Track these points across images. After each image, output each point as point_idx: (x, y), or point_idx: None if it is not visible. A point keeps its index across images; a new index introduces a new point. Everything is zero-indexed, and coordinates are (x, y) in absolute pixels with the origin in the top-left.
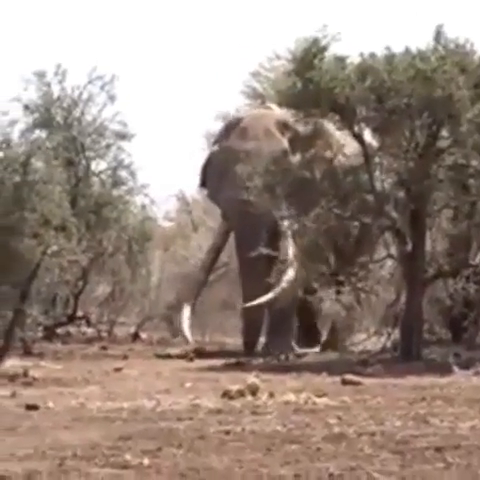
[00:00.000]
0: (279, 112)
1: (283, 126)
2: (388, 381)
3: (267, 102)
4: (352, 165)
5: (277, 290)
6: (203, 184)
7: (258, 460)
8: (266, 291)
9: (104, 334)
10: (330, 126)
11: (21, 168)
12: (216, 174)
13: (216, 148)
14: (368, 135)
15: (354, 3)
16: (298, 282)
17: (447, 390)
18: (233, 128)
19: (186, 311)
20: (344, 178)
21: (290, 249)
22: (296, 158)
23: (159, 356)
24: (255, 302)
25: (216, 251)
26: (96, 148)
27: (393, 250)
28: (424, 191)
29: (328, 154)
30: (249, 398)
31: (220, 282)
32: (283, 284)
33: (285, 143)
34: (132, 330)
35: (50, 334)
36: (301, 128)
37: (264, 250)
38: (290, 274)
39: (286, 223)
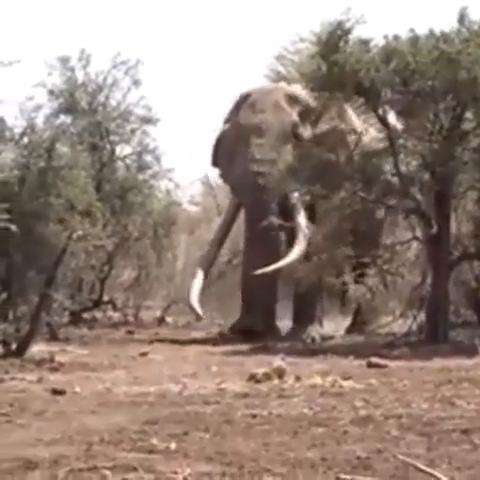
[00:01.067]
0: (290, 87)
1: (293, 99)
2: (414, 364)
3: (291, 85)
4: (375, 147)
5: (286, 260)
6: (215, 164)
7: (285, 443)
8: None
9: (130, 318)
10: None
11: (46, 153)
12: (227, 152)
13: (226, 126)
14: (392, 118)
15: None
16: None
17: (473, 372)
18: (242, 104)
19: (195, 287)
20: (368, 161)
21: (302, 221)
22: (307, 131)
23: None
24: (263, 270)
25: (226, 227)
26: (121, 133)
27: (418, 232)
28: (449, 173)
29: (340, 127)
30: (275, 381)
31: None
32: (293, 255)
33: (295, 116)
34: (158, 314)
35: (76, 319)
36: (312, 101)
37: (275, 220)
38: (301, 245)
39: (297, 195)
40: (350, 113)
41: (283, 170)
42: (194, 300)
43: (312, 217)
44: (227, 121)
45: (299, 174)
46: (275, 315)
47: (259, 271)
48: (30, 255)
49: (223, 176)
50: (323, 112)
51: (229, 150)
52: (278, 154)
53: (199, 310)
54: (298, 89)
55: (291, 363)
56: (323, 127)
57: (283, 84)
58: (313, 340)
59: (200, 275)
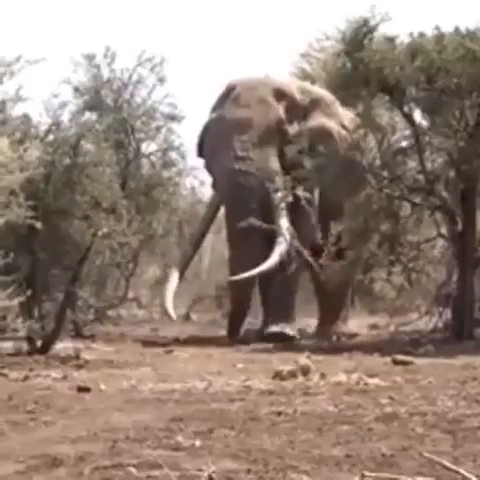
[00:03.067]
0: (278, 79)
1: (280, 94)
2: (439, 361)
3: (317, 83)
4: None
5: (266, 264)
6: (200, 154)
7: (310, 441)
8: (255, 266)
9: (155, 316)
10: (329, 96)
11: (71, 150)
12: (210, 144)
13: (213, 116)
14: (418, 115)
15: None
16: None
17: None
18: (228, 95)
19: (171, 285)
20: (394, 158)
21: (283, 223)
22: (293, 128)
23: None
24: (242, 275)
25: (206, 224)
26: (146, 130)
27: (444, 230)
28: (474, 170)
29: (328, 124)
30: (300, 379)
31: None
32: (273, 259)
33: (280, 112)
34: (183, 312)
35: (101, 316)
36: (299, 96)
37: (256, 222)
38: (281, 248)
39: (279, 195)
40: (340, 109)
41: (311, 169)
42: (168, 302)
43: (338, 215)
44: (214, 110)
45: (326, 172)
46: (241, 321)
47: (235, 277)
48: (55, 252)
49: (208, 168)
50: (312, 108)
51: (213, 143)
52: (261, 152)
53: (173, 313)
54: (286, 82)
55: (316, 361)
56: (311, 123)
57: (270, 77)
58: (338, 338)
59: (175, 276)
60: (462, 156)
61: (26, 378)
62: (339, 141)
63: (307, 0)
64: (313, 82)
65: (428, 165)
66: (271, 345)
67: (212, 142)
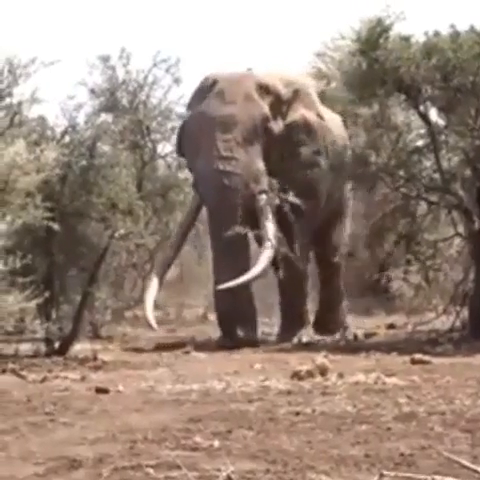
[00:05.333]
0: (260, 75)
1: (264, 89)
2: (457, 360)
3: (332, 82)
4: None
5: (253, 272)
6: (180, 153)
7: (328, 441)
8: (242, 273)
9: (172, 317)
10: (311, 88)
11: (87, 152)
12: (190, 142)
13: (190, 113)
14: (434, 114)
15: None
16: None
17: None
18: (208, 91)
19: (150, 294)
20: (410, 157)
21: (269, 228)
22: (278, 125)
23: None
24: (228, 284)
25: (187, 227)
26: (162, 131)
27: (460, 228)
28: None
29: (309, 116)
30: (318, 379)
31: None
32: (260, 265)
33: (266, 109)
34: (200, 312)
35: (118, 317)
36: (283, 90)
37: (241, 229)
38: (267, 254)
39: (264, 197)
40: (317, 101)
41: (325, 167)
42: (149, 311)
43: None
44: (190, 107)
45: (342, 172)
46: (255, 325)
47: (224, 285)
48: (72, 254)
49: (190, 167)
50: (293, 100)
51: (194, 141)
52: (246, 151)
53: (154, 322)
54: (270, 77)
55: (334, 360)
56: (291, 117)
57: (253, 72)
58: (355, 337)
59: (155, 283)
60: (478, 154)
61: (44, 379)
62: (319, 132)
63: (322, 0)
64: (329, 82)
65: (444, 164)
66: (289, 344)
67: (192, 140)
